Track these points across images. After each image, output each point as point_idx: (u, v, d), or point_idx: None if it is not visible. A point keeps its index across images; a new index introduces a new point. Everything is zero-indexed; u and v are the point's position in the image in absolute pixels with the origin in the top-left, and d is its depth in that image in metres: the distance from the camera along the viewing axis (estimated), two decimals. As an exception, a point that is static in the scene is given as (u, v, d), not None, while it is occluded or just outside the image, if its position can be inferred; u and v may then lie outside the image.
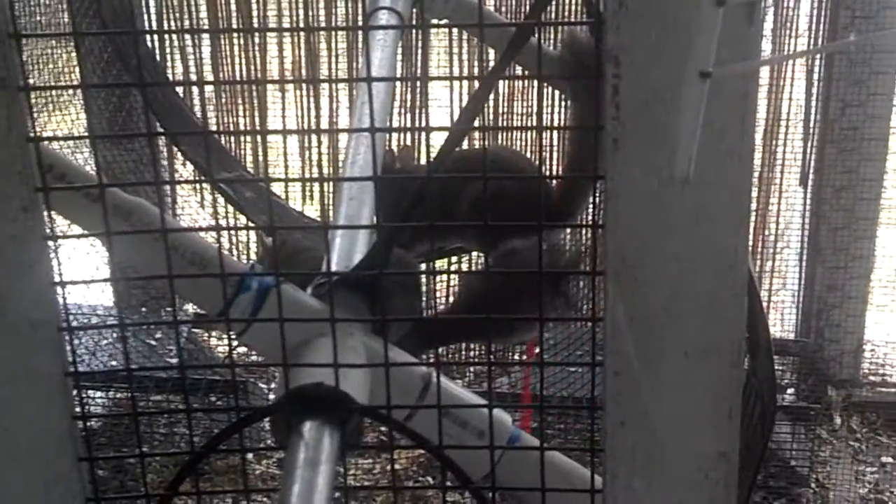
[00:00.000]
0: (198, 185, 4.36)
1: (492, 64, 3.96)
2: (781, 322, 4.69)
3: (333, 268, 1.62)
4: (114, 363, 3.78)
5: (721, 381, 1.05)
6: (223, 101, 4.33)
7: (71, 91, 3.79)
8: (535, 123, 4.48)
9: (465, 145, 3.10)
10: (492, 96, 4.04)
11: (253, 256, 4.39)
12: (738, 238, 1.01)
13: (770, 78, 4.29)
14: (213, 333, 4.41)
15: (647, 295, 1.02)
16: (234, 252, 4.39)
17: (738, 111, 0.96)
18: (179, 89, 3.51)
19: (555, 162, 4.27)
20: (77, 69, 3.61)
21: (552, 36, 3.76)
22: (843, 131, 4.26)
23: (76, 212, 1.47)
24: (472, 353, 4.40)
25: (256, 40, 4.21)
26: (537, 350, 3.19)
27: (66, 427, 1.08)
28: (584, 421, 4.00)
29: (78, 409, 1.11)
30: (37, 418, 1.07)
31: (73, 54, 3.61)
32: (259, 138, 4.33)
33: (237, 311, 1.50)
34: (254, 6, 4.18)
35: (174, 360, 4.00)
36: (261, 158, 4.31)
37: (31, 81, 3.27)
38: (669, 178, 0.96)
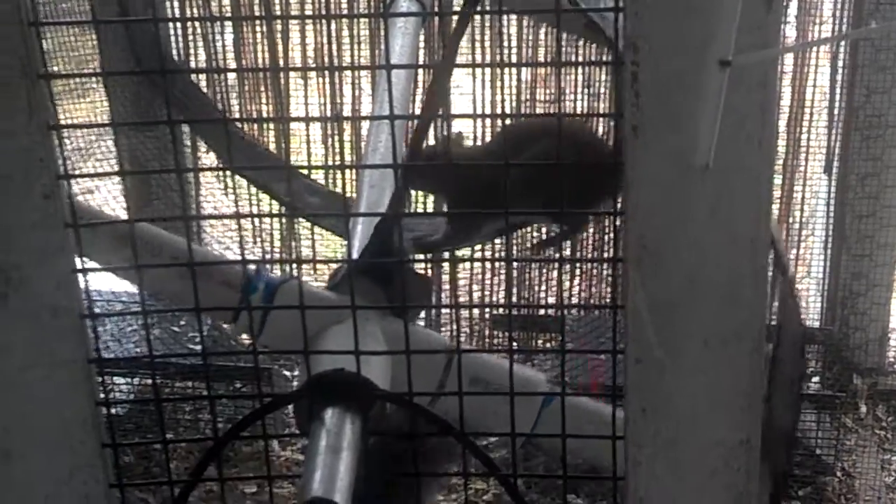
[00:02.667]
0: (221, 173, 4.37)
1: (513, 51, 3.96)
2: (806, 310, 4.66)
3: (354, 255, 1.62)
4: (139, 350, 3.80)
5: (741, 368, 1.05)
6: (246, 88, 4.34)
7: (96, 79, 3.80)
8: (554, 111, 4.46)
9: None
10: (514, 83, 4.04)
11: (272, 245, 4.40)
12: (758, 225, 1.00)
13: (794, 65, 4.26)
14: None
15: (668, 282, 1.02)
16: (257, 240, 4.39)
17: (758, 98, 0.95)
18: (203, 84, 3.51)
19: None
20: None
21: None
22: (868, 118, 4.22)
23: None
24: (495, 341, 4.40)
25: (279, 27, 4.21)
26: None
27: (90, 413, 1.09)
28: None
29: (102, 396, 1.12)
30: (60, 405, 1.07)
31: (97, 42, 3.62)
32: (282, 126, 4.34)
33: (248, 314, 1.51)
34: (276, -7, 4.18)
35: (198, 347, 4.01)
36: (283, 146, 4.32)
37: (56, 69, 3.30)
38: (689, 166, 0.95)
